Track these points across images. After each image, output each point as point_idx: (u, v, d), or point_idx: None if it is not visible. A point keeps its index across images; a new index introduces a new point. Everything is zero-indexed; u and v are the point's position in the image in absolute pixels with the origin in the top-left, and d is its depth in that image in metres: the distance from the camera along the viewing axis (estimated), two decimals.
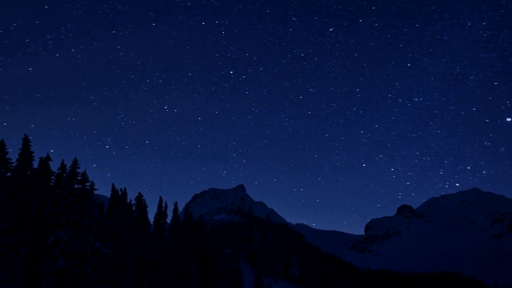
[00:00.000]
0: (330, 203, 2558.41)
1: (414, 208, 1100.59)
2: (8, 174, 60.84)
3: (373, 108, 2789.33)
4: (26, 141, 64.11)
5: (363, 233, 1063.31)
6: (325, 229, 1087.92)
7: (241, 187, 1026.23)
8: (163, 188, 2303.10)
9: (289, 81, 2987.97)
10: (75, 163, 67.21)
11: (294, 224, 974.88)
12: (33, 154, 64.63)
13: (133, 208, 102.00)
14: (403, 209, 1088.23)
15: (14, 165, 61.68)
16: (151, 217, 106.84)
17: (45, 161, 68.58)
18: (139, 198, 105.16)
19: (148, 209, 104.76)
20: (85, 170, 67.40)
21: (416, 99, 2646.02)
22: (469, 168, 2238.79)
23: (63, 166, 70.19)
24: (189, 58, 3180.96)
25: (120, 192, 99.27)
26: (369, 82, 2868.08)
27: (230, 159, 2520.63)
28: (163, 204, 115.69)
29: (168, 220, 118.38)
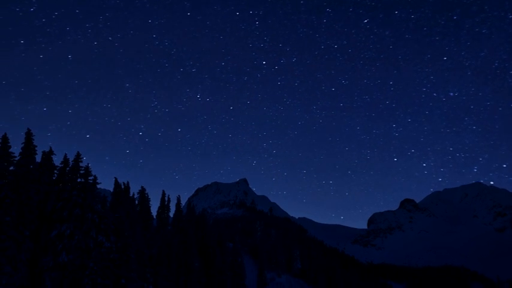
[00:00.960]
0: (359, 196, 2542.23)
1: (417, 202, 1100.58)
2: (11, 168, 60.84)
3: (407, 102, 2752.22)
4: (28, 135, 64.02)
5: (365, 227, 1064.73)
6: (328, 223, 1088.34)
7: (244, 181, 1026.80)
8: (194, 176, 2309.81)
9: (321, 72, 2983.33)
10: (77, 157, 67.21)
11: (297, 218, 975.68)
12: (36, 148, 64.59)
13: (136, 202, 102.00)
14: (406, 203, 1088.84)
15: (16, 159, 61.68)
16: (154, 211, 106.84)
17: (48, 155, 68.53)
18: (142, 192, 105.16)
19: (151, 203, 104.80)
20: (88, 164, 67.43)
21: (451, 94, 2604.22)
22: (504, 166, 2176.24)
23: (66, 160, 70.18)
24: (222, 48, 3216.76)
25: (122, 186, 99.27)
26: (403, 75, 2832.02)
27: (260, 150, 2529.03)
28: (166, 198, 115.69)
29: (171, 214, 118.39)
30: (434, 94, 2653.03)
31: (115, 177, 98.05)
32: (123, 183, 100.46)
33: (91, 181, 66.56)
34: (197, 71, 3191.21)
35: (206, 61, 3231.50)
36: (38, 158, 66.27)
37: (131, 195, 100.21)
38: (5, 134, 60.56)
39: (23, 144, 63.70)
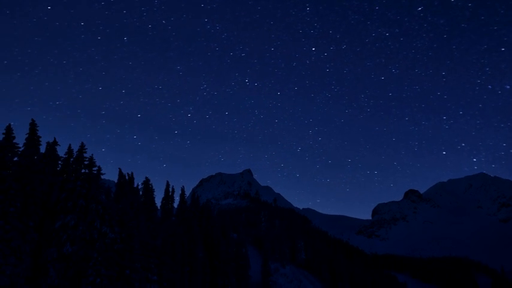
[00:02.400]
0: (402, 188, 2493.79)
1: (421, 193, 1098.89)
2: (15, 159, 60.78)
3: (459, 94, 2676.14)
4: (32, 126, 63.92)
5: (370, 217, 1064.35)
6: (333, 214, 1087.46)
7: (248, 172, 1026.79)
8: (238, 159, 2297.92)
9: (371, 60, 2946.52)
10: (82, 148, 67.09)
11: (301, 208, 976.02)
12: (40, 139, 64.50)
13: (140, 193, 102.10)
14: (410, 194, 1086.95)
15: (20, 149, 61.61)
16: (158, 202, 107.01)
17: (52, 145, 68.51)
18: (146, 182, 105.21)
19: (155, 193, 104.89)
20: (92, 154, 67.32)
21: (508, 87, 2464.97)
22: None
23: (70, 151, 70.16)
24: (272, 33, 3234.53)
25: (127, 177, 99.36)
26: (456, 66, 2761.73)
27: (305, 136, 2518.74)
28: (170, 189, 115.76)
29: (175, 205, 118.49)
30: (489, 86, 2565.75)
31: (119, 168, 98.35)
32: (127, 174, 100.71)
33: (95, 172, 66.52)
34: (246, 55, 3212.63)
35: (255, 46, 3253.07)
36: (42, 149, 66.39)
37: (135, 186, 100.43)
38: (9, 124, 60.44)
39: (27, 135, 63.65)
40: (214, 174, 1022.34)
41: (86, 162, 66.34)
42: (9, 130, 59.90)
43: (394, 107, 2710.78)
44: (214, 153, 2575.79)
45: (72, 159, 68.10)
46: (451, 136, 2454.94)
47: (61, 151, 70.38)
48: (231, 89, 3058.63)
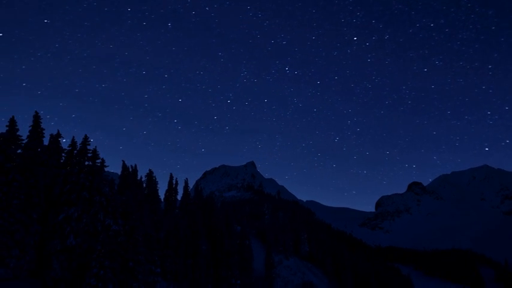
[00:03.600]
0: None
1: (425, 185, 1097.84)
2: (19, 151, 60.79)
3: (506, 89, 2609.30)
4: (36, 118, 63.93)
5: (373, 210, 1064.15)
6: (336, 206, 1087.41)
7: (251, 164, 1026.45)
8: (275, 147, 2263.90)
9: (414, 51, 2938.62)
10: (85, 140, 66.99)
11: (305, 200, 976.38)
12: (43, 131, 64.50)
13: (144, 185, 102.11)
14: (414, 186, 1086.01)
15: (24, 142, 61.62)
16: (161, 194, 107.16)
17: (56, 138, 68.48)
18: (150, 175, 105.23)
19: (158, 186, 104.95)
20: (95, 147, 67.23)
21: None
22: None
23: (73, 143, 70.13)
24: (314, 21, 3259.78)
25: (130, 169, 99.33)
26: (504, 59, 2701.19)
27: (344, 126, 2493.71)
28: (174, 181, 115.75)
29: (179, 197, 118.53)
30: None
31: (123, 160, 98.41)
32: (131, 166, 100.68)
33: (99, 164, 66.45)
34: (287, 43, 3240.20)
35: (297, 34, 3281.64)
36: (46, 141, 66.38)
37: (139, 178, 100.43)
38: (13, 117, 60.50)
39: (30, 127, 63.63)
40: (218, 166, 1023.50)
41: (89, 155, 66.27)
42: (12, 122, 59.93)
43: (436, 99, 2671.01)
44: (252, 140, 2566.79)
45: (75, 152, 68.10)
46: (494, 132, 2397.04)
47: (65, 144, 70.53)
48: (271, 76, 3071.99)
